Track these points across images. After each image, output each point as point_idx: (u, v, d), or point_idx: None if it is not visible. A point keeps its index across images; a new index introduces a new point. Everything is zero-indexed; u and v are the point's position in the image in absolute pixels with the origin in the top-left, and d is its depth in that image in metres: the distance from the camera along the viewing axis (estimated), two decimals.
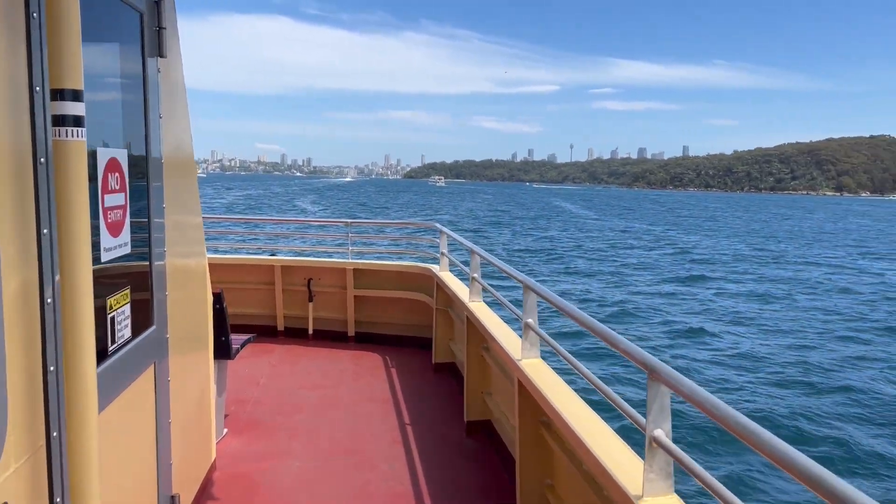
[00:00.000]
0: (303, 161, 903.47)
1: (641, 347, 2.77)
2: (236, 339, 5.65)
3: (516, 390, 4.18)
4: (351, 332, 8.67)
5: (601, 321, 3.30)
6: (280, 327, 8.79)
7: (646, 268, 34.08)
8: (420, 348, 8.11)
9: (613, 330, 3.06)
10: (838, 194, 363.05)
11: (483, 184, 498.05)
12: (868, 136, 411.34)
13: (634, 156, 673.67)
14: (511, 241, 47.40)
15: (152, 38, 3.16)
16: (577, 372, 3.33)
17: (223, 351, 5.19)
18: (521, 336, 4.36)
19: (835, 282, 30.53)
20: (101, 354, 2.49)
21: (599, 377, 3.19)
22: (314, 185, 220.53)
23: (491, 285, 5.63)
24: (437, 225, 8.16)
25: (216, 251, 9.39)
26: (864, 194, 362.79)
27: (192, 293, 3.99)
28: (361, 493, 4.59)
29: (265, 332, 8.52)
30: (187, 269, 3.87)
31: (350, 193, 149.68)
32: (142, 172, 3.05)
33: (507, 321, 5.44)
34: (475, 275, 6.01)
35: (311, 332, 8.70)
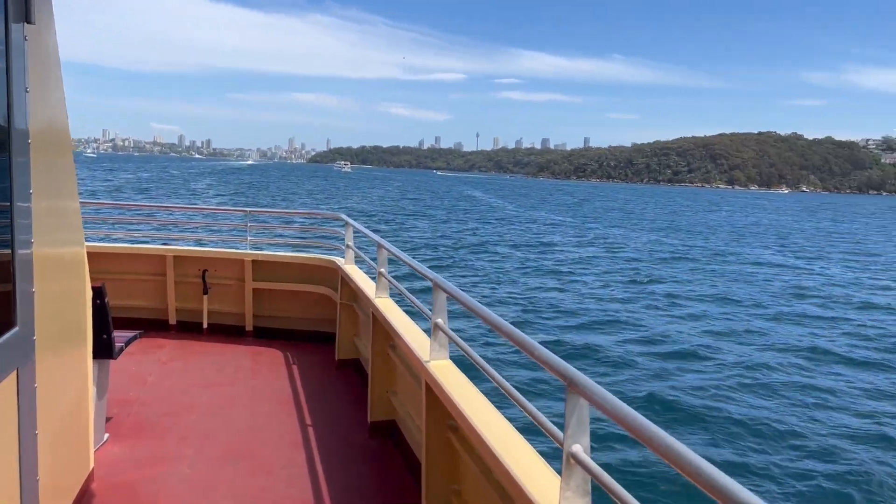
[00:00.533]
0: (202, 143, 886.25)
1: (561, 357, 2.57)
2: (121, 336, 5.24)
3: (423, 392, 3.98)
4: (249, 327, 8.30)
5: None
6: (172, 321, 8.32)
7: (582, 264, 31.43)
8: (322, 344, 7.80)
9: (533, 337, 2.85)
10: (730, 187, 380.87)
11: (389, 170, 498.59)
12: (756, 132, 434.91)
13: (538, 146, 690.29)
14: (432, 233, 44.03)
15: (18, 2, 2.85)
16: (489, 378, 3.11)
17: (105, 350, 4.81)
18: (430, 336, 4.14)
19: (791, 284, 28.85)
20: None
21: (515, 387, 2.95)
22: (214, 168, 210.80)
23: (401, 282, 5.39)
24: (343, 216, 7.81)
25: (100, 239, 8.90)
26: (752, 188, 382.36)
27: (66, 287, 3.72)
28: (258, 500, 4.32)
29: (155, 327, 8.02)
30: (60, 260, 3.59)
31: (252, 177, 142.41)
32: (2, 150, 2.72)
33: (418, 321, 5.14)
34: (382, 269, 5.77)
35: (205, 326, 8.30)
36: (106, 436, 5.11)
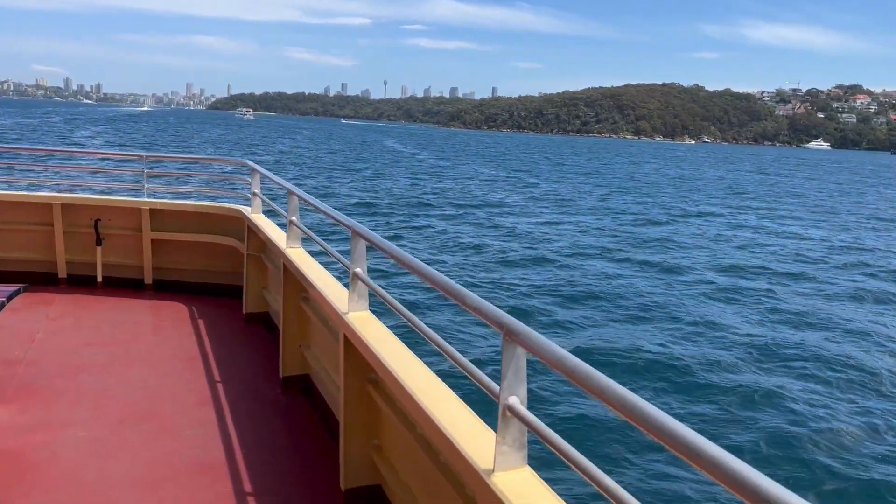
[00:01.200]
0: (91, 87, 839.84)
1: (499, 307, 2.38)
2: (1, 290, 5.00)
3: (341, 346, 3.83)
4: (148, 280, 7.84)
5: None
6: (62, 274, 7.79)
7: (546, 228, 27.36)
8: (228, 298, 7.38)
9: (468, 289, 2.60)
10: (636, 138, 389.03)
11: (295, 118, 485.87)
12: (660, 83, 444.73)
13: (447, 95, 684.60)
14: (365, 191, 39.13)
15: None
16: (416, 330, 2.95)
17: None
18: (347, 288, 3.96)
19: (789, 251, 25.81)
20: None
21: (445, 339, 2.75)
22: (104, 115, 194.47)
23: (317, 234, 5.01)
24: (249, 162, 7.38)
25: None
26: (657, 138, 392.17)
27: None
28: (162, 464, 4.04)
29: (42, 281, 7.52)
30: None
31: (148, 126, 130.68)
32: None
33: (336, 272, 4.88)
34: (293, 218, 5.47)
35: (100, 280, 7.81)
36: None
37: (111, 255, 7.83)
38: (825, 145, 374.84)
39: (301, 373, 5.28)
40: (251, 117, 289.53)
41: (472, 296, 2.51)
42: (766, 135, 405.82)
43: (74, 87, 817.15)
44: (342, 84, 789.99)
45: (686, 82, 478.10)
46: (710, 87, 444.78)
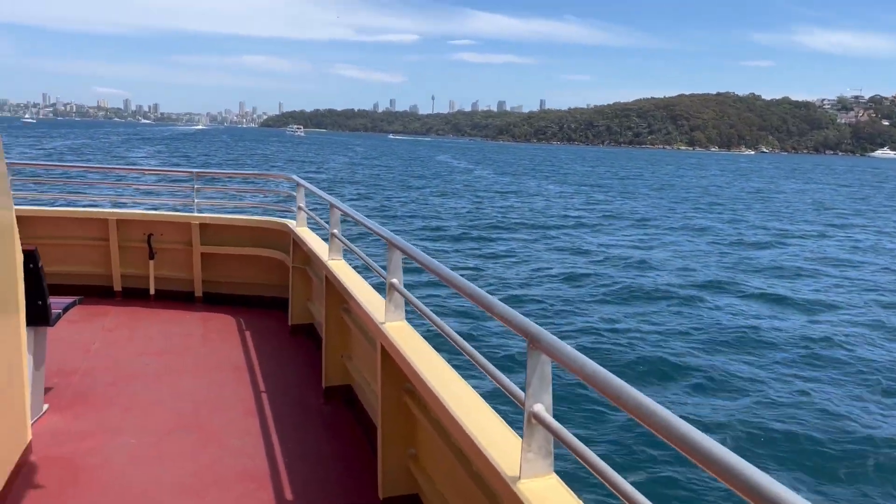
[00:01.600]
0: (149, 107, 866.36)
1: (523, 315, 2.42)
2: (58, 302, 4.98)
3: (379, 355, 3.89)
4: (198, 293, 7.99)
5: None
6: (117, 287, 8.00)
7: (667, 254, 23.90)
8: (275, 309, 7.59)
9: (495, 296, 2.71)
10: (691, 149, 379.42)
11: (344, 134, 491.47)
12: (714, 93, 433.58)
13: (495, 108, 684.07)
14: (433, 211, 36.14)
15: None
16: (447, 339, 3.03)
17: (40, 316, 4.57)
18: (385, 297, 4.03)
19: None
20: None
21: (475, 347, 2.85)
22: (161, 134, 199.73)
23: (359, 245, 5.23)
24: (295, 177, 7.50)
25: (37, 203, 8.58)
26: (713, 149, 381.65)
27: None
28: (208, 472, 4.16)
29: (99, 294, 7.79)
30: None
31: (203, 145, 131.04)
32: None
33: (375, 283, 4.99)
34: (334, 231, 5.59)
35: (152, 292, 8.00)
36: (45, 406, 4.85)
37: (163, 269, 7.99)
38: (892, 153, 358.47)
39: (343, 383, 5.31)
40: (302, 134, 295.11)
41: (501, 304, 2.61)
42: (827, 144, 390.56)
43: (133, 108, 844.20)
44: (390, 100, 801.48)
45: (741, 91, 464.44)
46: (766, 96, 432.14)
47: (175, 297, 7.95)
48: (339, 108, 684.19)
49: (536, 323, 2.32)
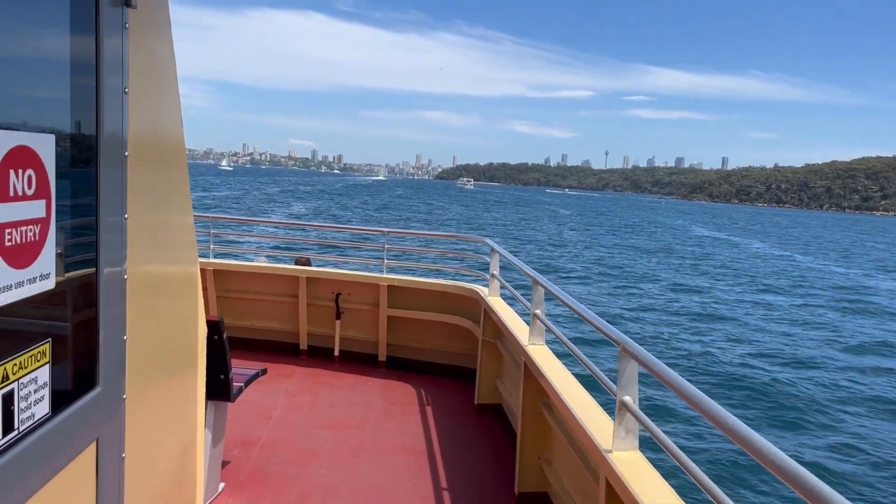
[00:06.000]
0: (333, 158, 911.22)
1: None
2: (241, 373, 4.76)
3: (602, 490, 3.21)
4: (382, 357, 7.75)
5: None
6: (303, 346, 7.91)
7: None
8: (461, 381, 7.10)
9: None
10: None
11: (518, 188, 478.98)
12: None
13: (672, 164, 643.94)
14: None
15: None
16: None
17: (221, 391, 4.29)
18: (613, 418, 3.29)
19: None
20: None
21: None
22: (339, 183, 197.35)
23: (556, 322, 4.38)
24: (489, 241, 7.03)
25: (229, 256, 8.88)
26: None
27: (171, 319, 3.04)
28: None
29: (285, 350, 7.87)
30: (165, 286, 2.93)
31: (374, 197, 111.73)
32: (89, 160, 2.19)
33: (580, 375, 4.34)
34: (537, 311, 4.96)
35: (336, 353, 7.82)
36: (221, 485, 4.64)
37: (349, 329, 7.80)
38: None
39: (539, 490, 4.66)
40: (471, 187, 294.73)
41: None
42: None
43: (319, 158, 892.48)
44: (562, 155, 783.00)
45: None
46: None
47: (359, 360, 7.71)
48: (512, 162, 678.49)
49: None
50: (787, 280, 36.83)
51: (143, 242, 2.56)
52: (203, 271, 7.66)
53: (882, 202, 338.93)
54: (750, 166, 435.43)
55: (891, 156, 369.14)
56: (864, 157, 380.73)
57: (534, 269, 5.11)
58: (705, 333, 20.42)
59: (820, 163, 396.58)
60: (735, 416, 2.12)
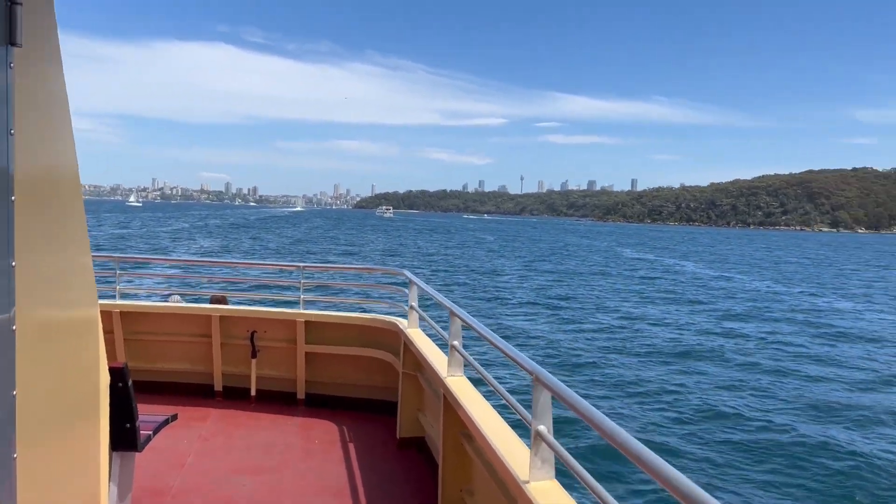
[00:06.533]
0: (248, 190, 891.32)
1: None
2: (149, 420, 4.48)
3: None
4: (301, 395, 7.56)
5: None
6: (217, 387, 7.61)
7: None
8: (382, 415, 6.98)
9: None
10: (835, 230, 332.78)
11: (437, 214, 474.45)
12: (850, 168, 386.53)
13: (585, 188, 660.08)
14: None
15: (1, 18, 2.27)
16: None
17: (128, 441, 4.08)
18: (529, 447, 3.28)
19: None
20: None
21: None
22: (252, 216, 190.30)
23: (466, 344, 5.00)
24: (406, 272, 6.97)
25: (134, 297, 8.49)
26: (860, 230, 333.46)
27: (68, 373, 2.87)
28: None
29: (199, 392, 7.56)
30: (61, 337, 2.82)
31: (294, 229, 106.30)
32: None
33: (500, 408, 4.34)
34: (455, 342, 4.99)
35: (253, 393, 7.56)
36: None
37: (265, 368, 7.60)
38: None
39: None
40: (391, 215, 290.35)
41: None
42: None
43: (234, 191, 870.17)
44: (479, 181, 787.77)
45: (841, 166, 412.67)
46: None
47: (277, 399, 7.51)
48: (430, 189, 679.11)
49: None
50: (735, 301, 34.97)
51: (35, 288, 2.46)
52: (108, 314, 7.33)
53: (783, 217, 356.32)
54: (660, 187, 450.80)
55: (787, 173, 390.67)
56: (764, 175, 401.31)
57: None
58: (665, 365, 18.76)
59: (724, 181, 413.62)
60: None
